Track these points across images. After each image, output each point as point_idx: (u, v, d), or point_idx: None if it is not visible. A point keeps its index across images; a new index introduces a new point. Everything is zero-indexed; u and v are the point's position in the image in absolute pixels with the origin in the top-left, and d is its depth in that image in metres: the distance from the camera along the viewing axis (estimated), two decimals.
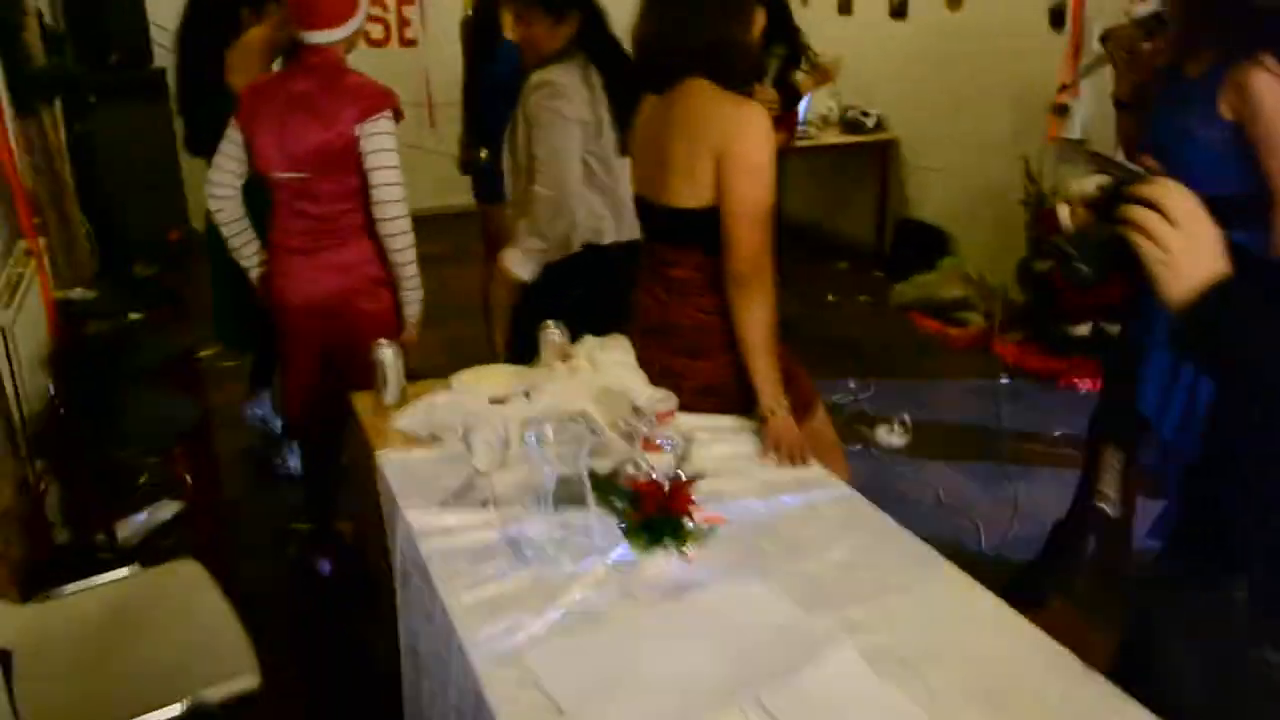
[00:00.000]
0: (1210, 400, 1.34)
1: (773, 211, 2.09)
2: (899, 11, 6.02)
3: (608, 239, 2.91)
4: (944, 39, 5.68)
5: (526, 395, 2.28)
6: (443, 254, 4.89)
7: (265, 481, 3.81)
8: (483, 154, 4.00)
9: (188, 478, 3.10)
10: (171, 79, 4.01)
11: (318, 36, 2.72)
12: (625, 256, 2.89)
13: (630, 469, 1.83)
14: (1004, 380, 4.62)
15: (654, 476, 1.70)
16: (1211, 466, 1.37)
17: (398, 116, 2.80)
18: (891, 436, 4.01)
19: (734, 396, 2.18)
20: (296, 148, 2.73)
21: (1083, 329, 4.59)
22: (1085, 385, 4.51)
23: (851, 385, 4.52)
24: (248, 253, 2.98)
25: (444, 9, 7.11)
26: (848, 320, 5.47)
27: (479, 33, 3.90)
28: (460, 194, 4.92)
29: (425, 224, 3.16)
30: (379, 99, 2.74)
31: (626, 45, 2.33)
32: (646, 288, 2.29)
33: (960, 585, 1.66)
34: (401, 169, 2.79)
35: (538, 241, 2.82)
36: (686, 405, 2.08)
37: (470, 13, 4.03)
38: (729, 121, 2.03)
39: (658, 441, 1.86)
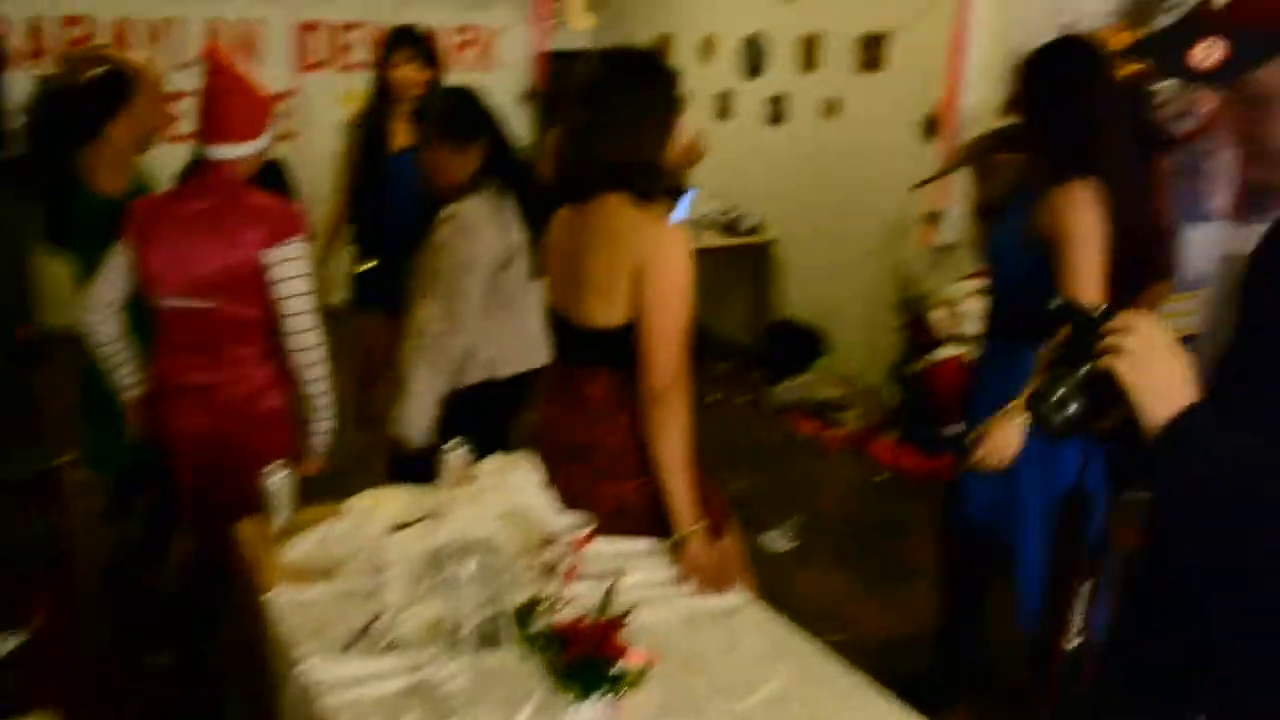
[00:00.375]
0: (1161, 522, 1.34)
1: (690, 330, 2.06)
2: (776, 118, 6.19)
3: (506, 371, 2.88)
4: (820, 145, 5.86)
5: (428, 520, 2.17)
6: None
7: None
8: (365, 266, 3.88)
9: (41, 607, 2.83)
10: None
11: (223, 151, 2.54)
12: (523, 387, 2.93)
13: (553, 604, 1.74)
14: (881, 479, 4.69)
15: (581, 614, 1.61)
16: (1154, 596, 1.36)
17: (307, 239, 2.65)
18: (780, 541, 3.99)
19: (648, 518, 2.11)
20: (196, 271, 2.52)
21: (955, 428, 4.69)
22: None
23: (735, 488, 4.49)
24: (123, 374, 2.73)
25: (320, 104, 7.05)
26: (728, 422, 5.48)
27: (367, 142, 3.80)
28: (331, 291, 4.79)
29: None
30: (288, 222, 2.56)
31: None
32: (557, 407, 2.22)
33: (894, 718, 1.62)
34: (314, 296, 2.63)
35: (423, 393, 2.75)
36: (599, 529, 2.01)
37: (356, 121, 3.92)
38: (649, 239, 2.01)
39: (582, 573, 1.77)
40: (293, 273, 2.55)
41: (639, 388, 2.04)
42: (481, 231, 2.73)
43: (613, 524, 2.08)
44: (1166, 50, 1.16)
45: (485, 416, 2.79)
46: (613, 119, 2.03)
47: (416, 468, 2.81)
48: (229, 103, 2.55)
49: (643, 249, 2.00)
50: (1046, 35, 4.76)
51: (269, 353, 2.63)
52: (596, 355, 2.12)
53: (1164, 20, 4.85)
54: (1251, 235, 4.85)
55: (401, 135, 3.71)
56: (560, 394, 2.22)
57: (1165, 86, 4.87)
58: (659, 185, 2.11)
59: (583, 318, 2.09)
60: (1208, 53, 1.09)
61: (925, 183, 4.62)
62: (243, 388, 2.63)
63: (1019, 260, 2.50)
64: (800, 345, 5.90)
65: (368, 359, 3.97)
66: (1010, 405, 2.31)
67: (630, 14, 7.39)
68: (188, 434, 2.64)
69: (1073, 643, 1.35)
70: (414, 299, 2.82)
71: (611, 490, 2.12)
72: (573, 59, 7.58)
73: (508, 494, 2.20)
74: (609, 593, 1.60)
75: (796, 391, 5.47)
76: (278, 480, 2.16)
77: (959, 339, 4.67)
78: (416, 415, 2.78)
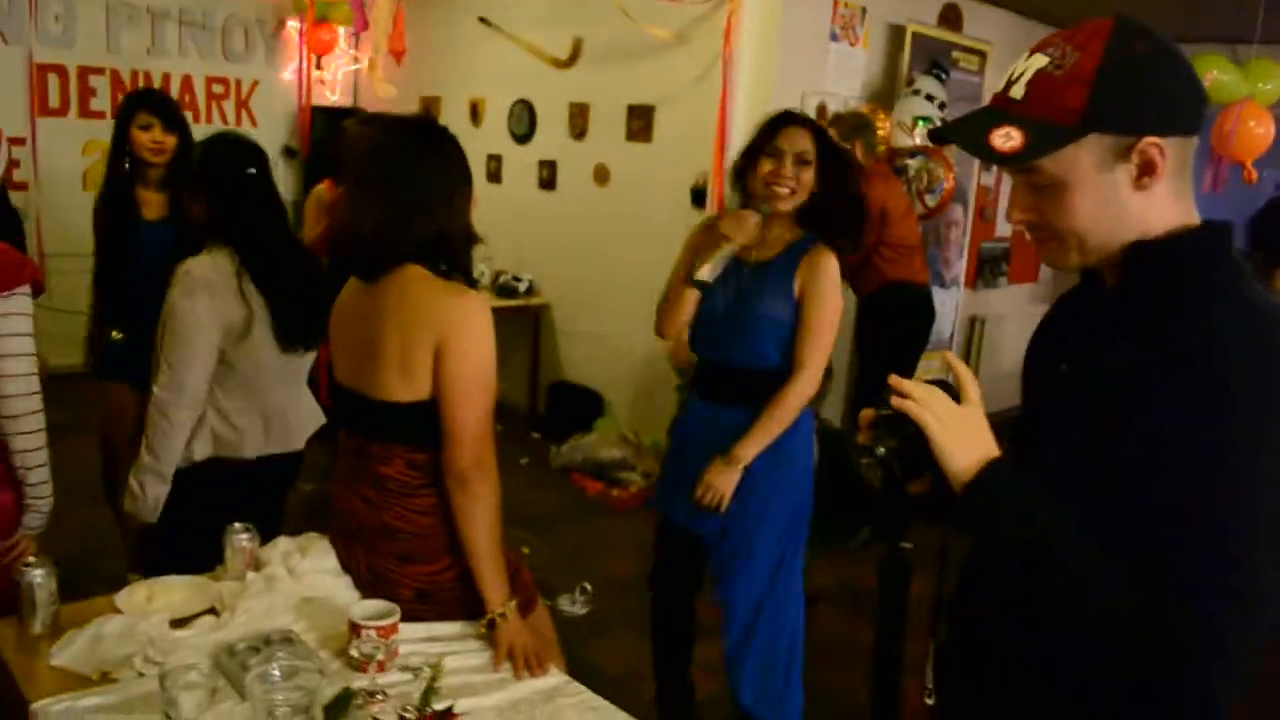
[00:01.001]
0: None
1: (494, 404, 2.02)
2: (548, 183, 6.26)
3: (249, 452, 2.62)
4: (592, 210, 5.96)
5: (214, 612, 2.02)
6: (59, 423, 4.34)
7: None
8: (115, 334, 3.59)
9: None
10: None
11: None
12: (272, 471, 2.69)
13: (367, 699, 1.65)
14: None
15: (404, 713, 1.53)
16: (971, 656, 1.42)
17: (37, 290, 2.34)
18: (575, 606, 3.97)
19: (455, 599, 2.04)
20: None
21: None
22: None
23: (525, 551, 4.44)
24: None
25: (58, 152, 6.56)
26: (511, 484, 5.38)
27: (114, 214, 3.54)
28: (73, 354, 4.44)
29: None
30: (13, 270, 2.27)
31: None
32: (351, 487, 2.10)
33: None
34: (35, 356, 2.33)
35: (153, 465, 2.54)
36: (404, 614, 1.92)
37: (101, 192, 3.63)
38: (449, 312, 1.95)
39: (394, 663, 1.69)
40: (12, 329, 2.25)
41: (443, 466, 1.98)
42: (213, 291, 2.49)
43: (418, 608, 2.00)
44: (969, 134, 1.26)
45: (224, 502, 2.49)
46: (414, 193, 1.96)
47: (162, 548, 2.66)
48: None
49: (444, 322, 1.94)
50: (803, 111, 5.10)
51: None
52: (394, 432, 2.03)
53: (909, 101, 5.26)
54: (985, 298, 5.37)
55: (152, 204, 3.49)
56: (354, 472, 2.10)
57: (913, 163, 5.30)
58: (461, 254, 2.06)
59: (378, 392, 2.01)
60: (1006, 139, 1.19)
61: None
62: None
63: (771, 322, 2.65)
64: (579, 406, 5.94)
65: (111, 431, 3.69)
66: (725, 457, 2.65)
67: (398, 75, 7.30)
68: None
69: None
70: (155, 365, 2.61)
71: (416, 573, 2.03)
72: (335, 114, 7.42)
73: (301, 580, 2.08)
74: (430, 684, 1.54)
75: (579, 452, 5.48)
76: (37, 575, 1.95)
77: None
78: (147, 490, 2.57)
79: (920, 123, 5.37)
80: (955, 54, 6.07)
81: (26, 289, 2.28)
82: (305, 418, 2.81)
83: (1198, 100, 1.23)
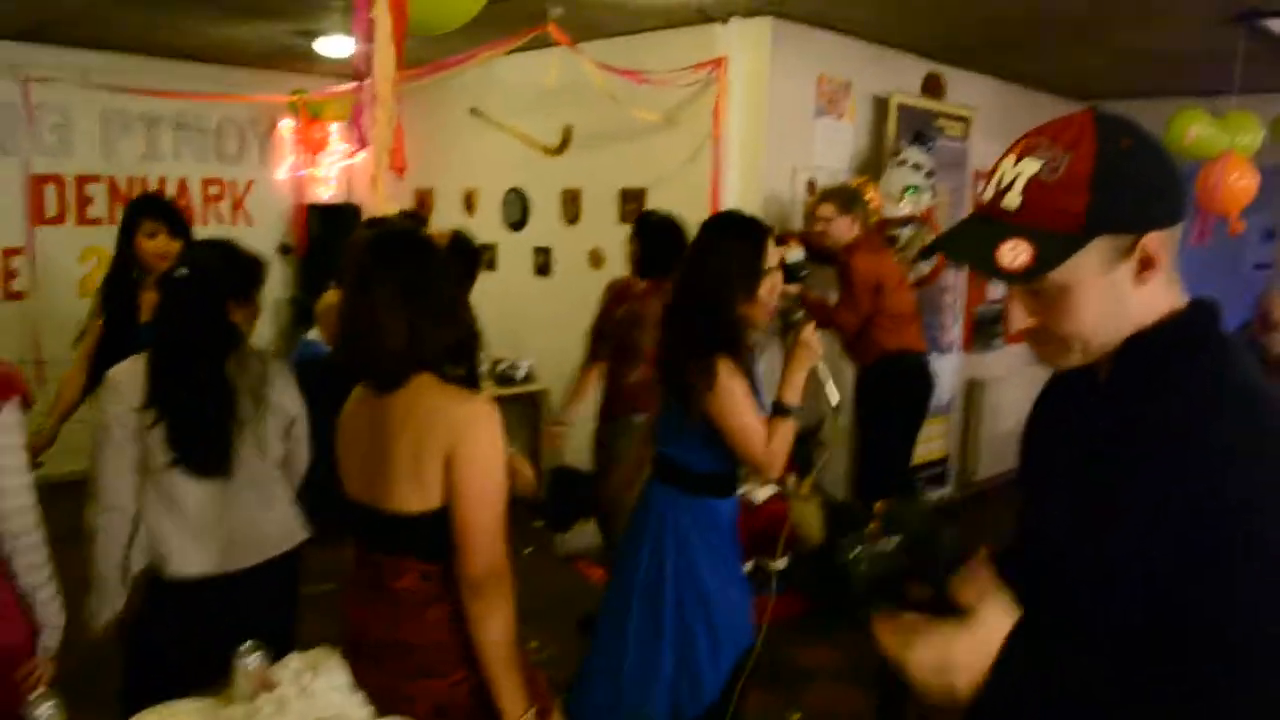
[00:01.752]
0: None
1: (506, 512, 2.00)
2: (543, 269, 6.31)
3: (178, 569, 2.49)
4: (588, 295, 5.93)
5: None
6: (58, 533, 4.31)
7: None
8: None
9: None
10: None
11: None
12: (214, 592, 2.52)
13: None
14: None
15: None
16: None
17: (26, 404, 2.28)
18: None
19: (472, 714, 2.01)
20: None
21: (745, 567, 4.78)
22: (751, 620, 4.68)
23: (533, 646, 4.37)
24: None
25: (56, 260, 6.61)
26: (517, 575, 5.35)
27: (115, 315, 3.56)
28: (76, 461, 4.43)
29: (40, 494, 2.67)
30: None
31: None
32: (363, 601, 2.08)
33: None
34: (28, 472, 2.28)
35: (91, 578, 2.48)
36: None
37: (102, 292, 3.68)
38: (458, 419, 1.95)
39: None
40: (3, 443, 2.21)
41: (457, 577, 1.96)
42: (117, 397, 2.42)
43: None
44: (972, 252, 1.24)
45: (222, 614, 2.47)
46: (425, 304, 1.97)
47: (145, 671, 2.58)
48: None
49: (453, 429, 1.94)
50: (794, 187, 5.15)
51: None
52: (405, 544, 2.02)
53: (897, 171, 5.32)
54: (982, 362, 5.39)
55: (150, 306, 3.52)
56: (366, 586, 2.09)
57: (905, 232, 5.34)
58: (471, 360, 2.07)
59: (389, 504, 2.00)
60: (1014, 254, 1.17)
61: None
62: None
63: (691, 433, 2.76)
64: (581, 491, 5.89)
65: None
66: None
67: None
68: None
69: None
70: None
71: (430, 688, 2.00)
72: (330, 211, 7.50)
73: (314, 700, 2.04)
74: None
75: (584, 539, 5.42)
76: (45, 710, 1.91)
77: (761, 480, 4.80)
78: (91, 603, 2.51)
79: (909, 191, 5.43)
80: (940, 121, 6.15)
81: (15, 403, 2.25)
82: (260, 531, 2.62)
83: (1182, 188, 1.24)
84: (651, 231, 4.39)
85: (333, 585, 3.53)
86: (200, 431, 2.47)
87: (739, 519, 4.57)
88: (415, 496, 1.96)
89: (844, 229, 4.80)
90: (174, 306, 2.53)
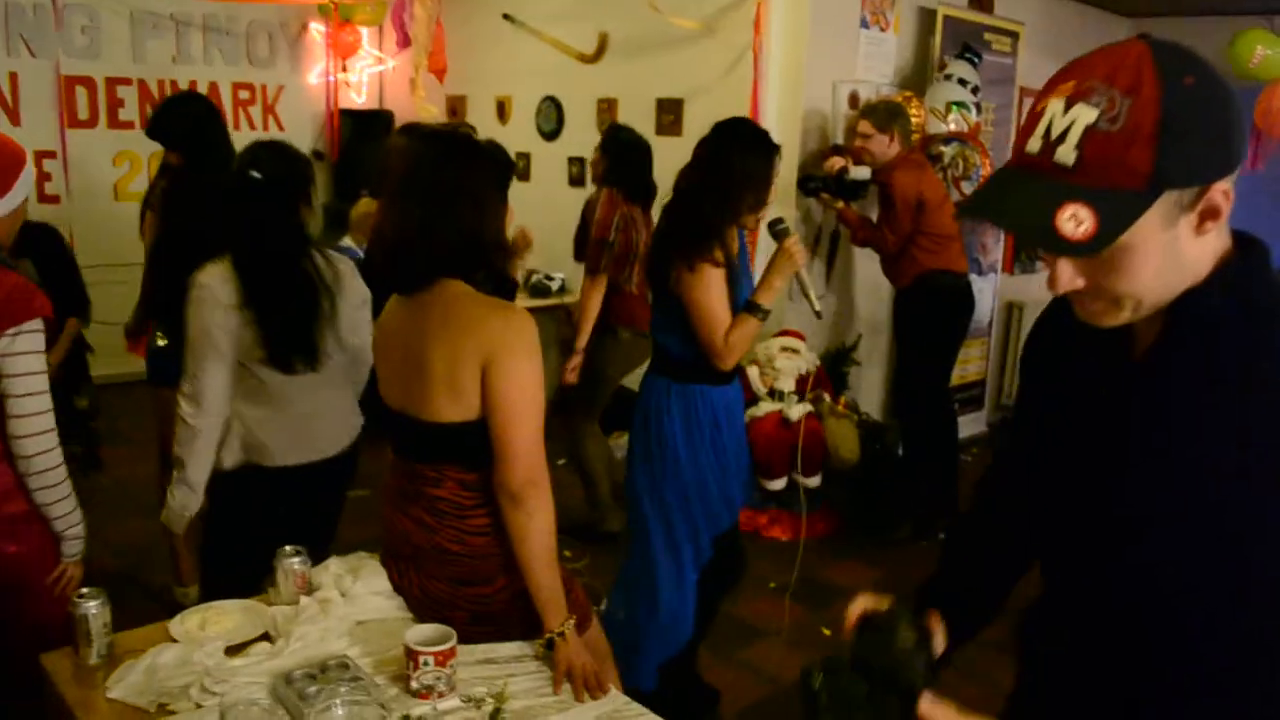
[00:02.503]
0: None
1: (544, 419, 1.98)
2: (578, 180, 6.22)
3: (276, 460, 2.59)
4: None
5: (268, 638, 2.00)
6: (104, 433, 4.37)
7: None
8: (160, 339, 3.62)
9: None
10: None
11: None
12: (313, 478, 2.65)
13: None
14: None
15: None
16: None
17: (49, 324, 2.25)
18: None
19: (510, 620, 2.02)
20: None
21: (778, 484, 4.79)
22: (785, 536, 4.71)
23: (567, 555, 4.42)
24: None
25: (89, 163, 6.58)
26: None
27: (176, 198, 3.54)
28: (120, 363, 4.47)
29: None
30: (20, 304, 2.17)
31: None
32: (402, 509, 2.07)
33: None
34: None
35: (179, 475, 2.55)
36: (458, 636, 1.89)
37: (160, 180, 3.67)
38: (495, 328, 1.92)
39: (462, 696, 1.66)
40: (23, 368, 2.16)
41: (496, 486, 1.94)
42: (217, 306, 2.46)
43: (473, 630, 1.97)
44: (1025, 218, 1.10)
45: (284, 504, 2.60)
46: (449, 201, 1.93)
47: (211, 560, 2.75)
48: None
49: (490, 340, 1.91)
50: (835, 100, 5.03)
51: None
52: (444, 453, 2.01)
53: (941, 86, 5.18)
54: (1022, 284, 5.29)
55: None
56: (404, 494, 2.08)
57: (948, 149, 5.21)
58: (496, 267, 2.04)
59: (426, 413, 1.98)
60: (1075, 222, 1.04)
61: None
62: None
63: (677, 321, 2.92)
64: (616, 403, 5.89)
65: (166, 434, 3.71)
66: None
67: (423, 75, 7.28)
68: None
69: None
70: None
71: (471, 594, 2.00)
72: (361, 117, 7.41)
73: (354, 604, 2.06)
74: (495, 716, 1.50)
75: (617, 451, 5.43)
76: (91, 606, 1.93)
77: (774, 395, 4.77)
78: (175, 499, 2.58)
79: (955, 108, 5.29)
80: (987, 35, 5.97)
81: (37, 323, 2.20)
82: (338, 424, 2.75)
83: (1245, 127, 1.11)
84: (620, 149, 4.55)
85: (366, 491, 3.58)
86: (293, 329, 2.55)
87: (767, 430, 4.59)
88: (453, 407, 1.94)
89: (882, 146, 4.68)
90: (250, 210, 2.57)
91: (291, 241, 2.61)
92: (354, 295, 2.73)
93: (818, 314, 3.09)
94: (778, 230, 2.93)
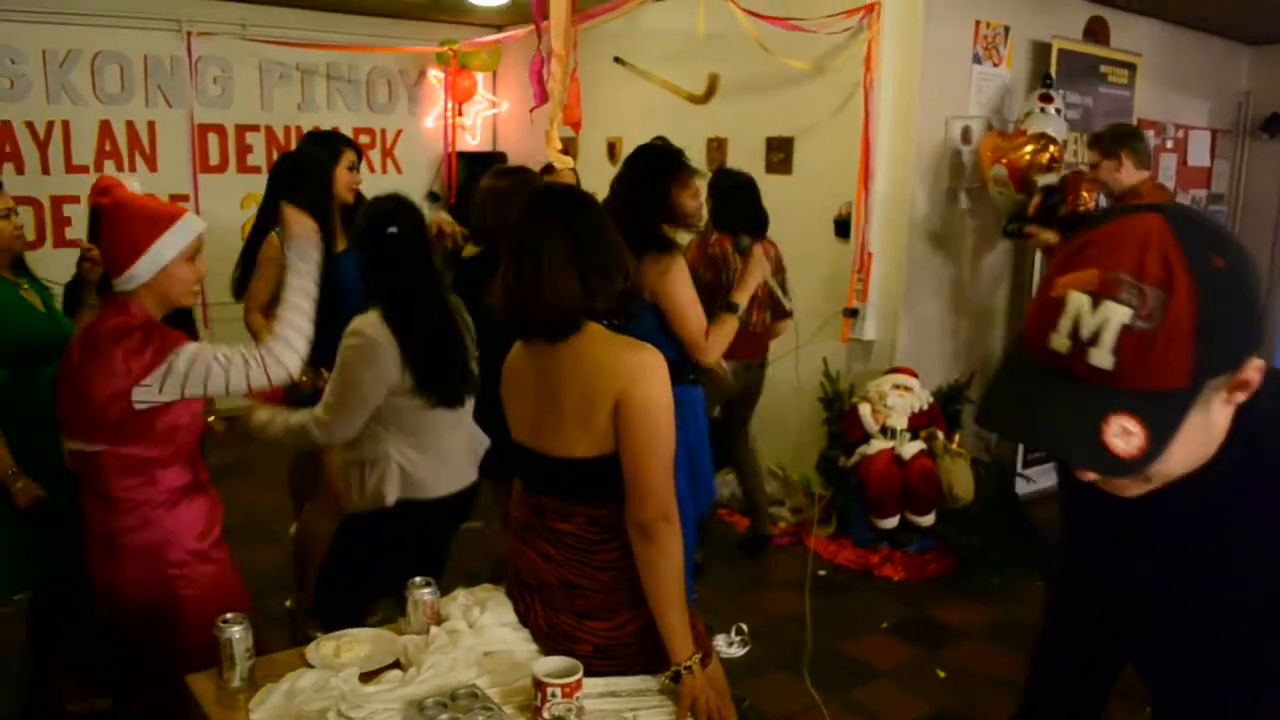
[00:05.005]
0: None
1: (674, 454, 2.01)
2: None
3: (435, 492, 2.79)
4: None
5: (399, 666, 2.06)
6: (227, 463, 4.54)
7: None
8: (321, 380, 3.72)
9: None
10: None
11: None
12: (452, 507, 2.86)
13: None
14: (821, 573, 4.66)
15: None
16: None
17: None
18: (732, 648, 3.92)
19: (632, 654, 2.04)
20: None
21: (890, 522, 4.73)
22: (898, 576, 4.64)
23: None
24: None
25: (218, 206, 6.87)
26: None
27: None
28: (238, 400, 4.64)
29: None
30: (158, 344, 2.31)
31: None
32: (529, 542, 2.12)
33: None
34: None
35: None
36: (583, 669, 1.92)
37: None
38: (629, 367, 1.96)
39: None
40: (202, 374, 2.32)
41: (627, 520, 1.97)
42: (378, 356, 2.64)
43: (597, 663, 1.99)
44: (1069, 438, 1.01)
45: (410, 541, 2.78)
46: (594, 257, 1.98)
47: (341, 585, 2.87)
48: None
49: (624, 377, 1.95)
50: (947, 135, 4.99)
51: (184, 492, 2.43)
52: (574, 489, 2.05)
53: (1037, 119, 5.07)
54: None
55: (340, 238, 3.65)
56: (532, 528, 2.12)
57: (1047, 177, 5.07)
58: (633, 309, 2.08)
59: (557, 449, 2.02)
60: (1126, 438, 0.98)
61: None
62: (151, 533, 2.38)
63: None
64: (723, 441, 5.90)
65: (298, 466, 3.89)
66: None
67: (536, 115, 7.45)
68: (102, 587, 2.41)
69: None
70: None
71: (595, 628, 2.03)
72: (476, 159, 7.61)
73: (482, 635, 2.11)
74: None
75: (726, 488, 5.44)
76: (235, 631, 2.02)
77: (887, 433, 4.73)
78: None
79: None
80: (1103, 69, 5.86)
81: (182, 347, 2.33)
82: (473, 450, 2.95)
83: (1265, 296, 1.09)
84: (720, 194, 4.68)
85: (480, 523, 3.66)
86: (448, 370, 2.77)
87: (879, 467, 4.56)
88: (585, 442, 1.98)
89: (1111, 171, 4.35)
90: (395, 262, 2.72)
91: (434, 288, 2.80)
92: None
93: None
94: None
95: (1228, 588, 1.14)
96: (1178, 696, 1.30)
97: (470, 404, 2.89)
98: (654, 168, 3.31)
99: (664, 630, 1.96)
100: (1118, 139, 4.37)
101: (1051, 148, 4.88)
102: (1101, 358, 0.96)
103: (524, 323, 2.03)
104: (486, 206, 3.48)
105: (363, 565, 2.79)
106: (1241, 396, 1.03)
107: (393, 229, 2.71)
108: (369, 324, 2.65)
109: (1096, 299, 0.96)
